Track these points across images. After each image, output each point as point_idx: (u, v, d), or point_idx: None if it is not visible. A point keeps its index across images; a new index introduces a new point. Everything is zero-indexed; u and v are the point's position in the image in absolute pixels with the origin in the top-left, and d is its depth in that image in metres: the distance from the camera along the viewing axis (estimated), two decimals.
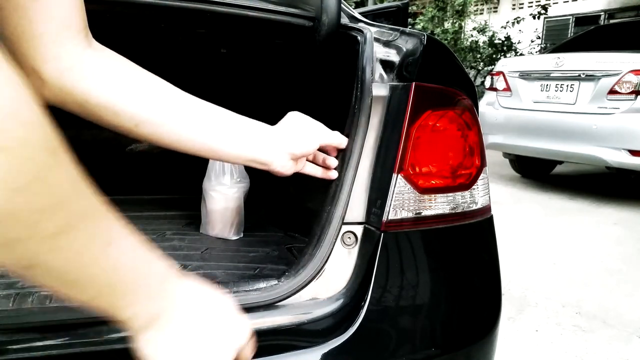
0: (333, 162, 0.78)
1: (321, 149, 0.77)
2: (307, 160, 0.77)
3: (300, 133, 0.71)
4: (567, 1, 10.09)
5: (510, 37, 9.13)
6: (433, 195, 0.80)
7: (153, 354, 0.42)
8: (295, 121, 0.73)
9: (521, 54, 8.86)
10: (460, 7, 9.24)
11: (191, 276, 0.47)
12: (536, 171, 5.03)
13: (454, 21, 9.42)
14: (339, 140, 0.76)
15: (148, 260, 0.40)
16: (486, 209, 0.88)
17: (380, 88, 0.80)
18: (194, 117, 0.61)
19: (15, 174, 0.25)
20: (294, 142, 0.70)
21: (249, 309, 0.70)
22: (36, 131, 0.27)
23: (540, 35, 9.77)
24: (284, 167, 0.70)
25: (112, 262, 0.35)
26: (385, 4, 1.62)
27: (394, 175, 0.77)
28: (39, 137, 0.27)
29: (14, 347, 0.60)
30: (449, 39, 9.09)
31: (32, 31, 0.46)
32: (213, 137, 0.63)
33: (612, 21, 8.81)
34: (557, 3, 10.09)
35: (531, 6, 10.32)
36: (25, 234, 0.28)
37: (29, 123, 0.26)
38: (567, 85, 4.01)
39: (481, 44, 9.51)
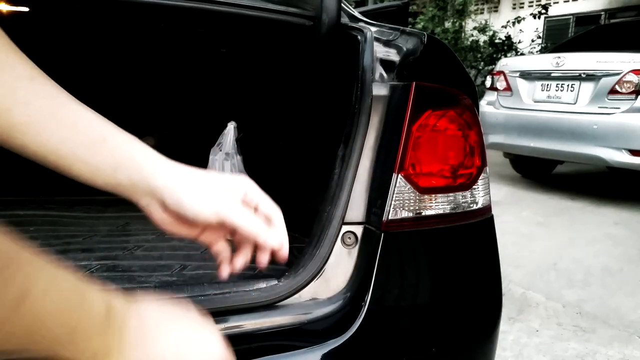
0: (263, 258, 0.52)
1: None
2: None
3: (196, 188, 0.49)
4: (568, 1, 10.07)
5: (511, 36, 9.12)
6: (433, 195, 0.79)
7: None
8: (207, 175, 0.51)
9: (522, 54, 8.85)
10: (461, 7, 9.23)
11: (146, 295, 0.42)
12: (536, 171, 5.03)
13: (455, 21, 9.41)
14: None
15: (82, 299, 0.34)
16: (487, 209, 0.88)
17: (380, 88, 0.80)
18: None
19: None
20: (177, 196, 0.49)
21: (249, 309, 0.70)
22: None
23: (541, 35, 9.75)
24: (159, 218, 0.52)
25: (33, 313, 0.30)
26: (386, 4, 1.62)
27: (394, 175, 0.76)
28: None
29: None
30: (449, 38, 9.07)
31: None
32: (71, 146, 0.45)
33: (612, 21, 8.80)
34: (557, 3, 10.07)
35: (532, 6, 10.31)
36: None
37: None
38: (568, 85, 4.00)
39: (481, 44, 9.49)
